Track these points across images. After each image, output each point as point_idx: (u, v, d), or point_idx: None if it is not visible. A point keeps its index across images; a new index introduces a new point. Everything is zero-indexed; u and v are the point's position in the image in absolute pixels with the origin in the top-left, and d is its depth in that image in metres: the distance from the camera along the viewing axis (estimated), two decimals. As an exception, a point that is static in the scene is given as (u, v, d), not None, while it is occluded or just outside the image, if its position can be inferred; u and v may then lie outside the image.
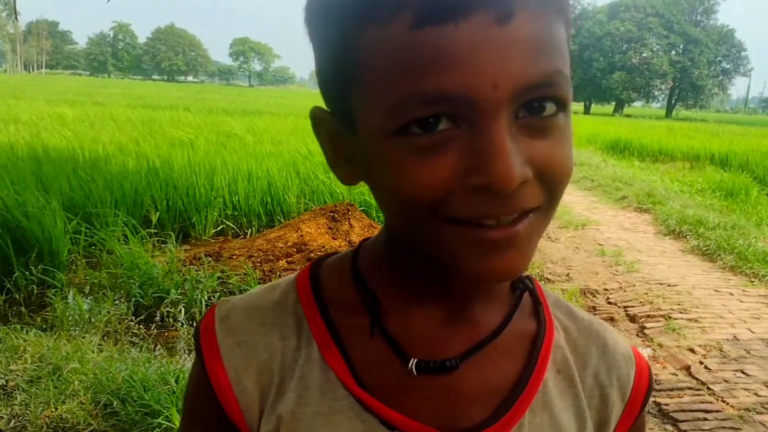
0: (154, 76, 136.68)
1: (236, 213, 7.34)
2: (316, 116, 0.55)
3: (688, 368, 3.94)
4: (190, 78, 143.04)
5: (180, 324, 4.64)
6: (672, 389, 3.65)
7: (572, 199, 10.11)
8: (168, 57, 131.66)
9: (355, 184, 0.56)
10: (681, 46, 70.51)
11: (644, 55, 70.33)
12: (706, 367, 3.95)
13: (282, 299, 0.61)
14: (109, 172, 7.18)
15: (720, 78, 74.07)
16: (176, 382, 3.29)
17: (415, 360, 0.56)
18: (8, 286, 4.87)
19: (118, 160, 8.08)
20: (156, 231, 6.25)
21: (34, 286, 4.95)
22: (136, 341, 4.27)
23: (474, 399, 0.57)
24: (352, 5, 0.46)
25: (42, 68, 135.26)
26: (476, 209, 0.46)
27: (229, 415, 0.58)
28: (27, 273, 4.96)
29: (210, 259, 5.78)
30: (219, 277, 5.13)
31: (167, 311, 4.67)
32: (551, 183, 0.47)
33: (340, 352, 0.57)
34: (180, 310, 4.72)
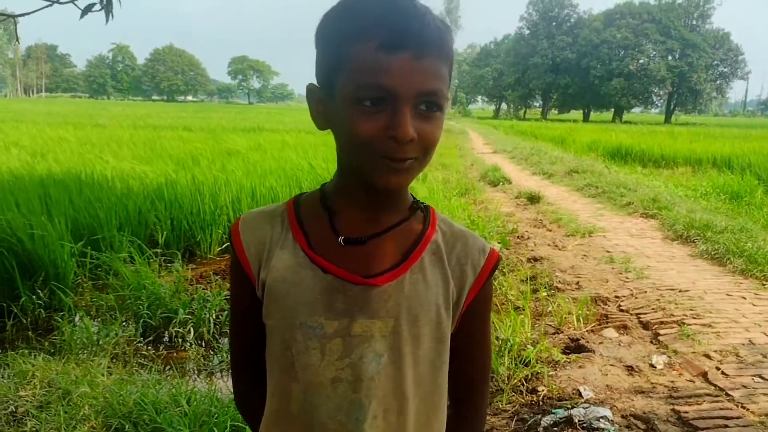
0: (153, 97, 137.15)
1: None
2: (310, 88, 0.97)
3: (705, 374, 3.88)
4: (189, 97, 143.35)
5: (189, 344, 4.60)
6: (690, 396, 3.59)
7: (578, 207, 10.07)
8: (167, 77, 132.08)
9: (325, 129, 0.96)
10: (678, 52, 70.65)
11: (641, 61, 70.56)
12: (723, 373, 3.89)
13: (275, 209, 1.05)
14: (114, 193, 7.16)
15: (718, 82, 74.13)
16: (188, 403, 3.25)
17: (343, 237, 0.98)
18: (15, 310, 4.83)
19: (121, 181, 8.06)
20: (162, 251, 6.22)
21: (41, 310, 4.92)
22: (146, 363, 4.23)
23: (378, 261, 0.98)
24: (346, 30, 0.87)
25: (42, 92, 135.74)
26: (388, 150, 0.86)
27: (244, 268, 1.01)
28: (34, 297, 4.93)
29: (217, 277, 5.74)
30: (227, 296, 5.09)
31: (176, 331, 4.64)
32: (425, 145, 0.89)
33: (303, 234, 1.00)
34: (189, 330, 4.68)
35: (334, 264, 0.97)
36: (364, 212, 0.99)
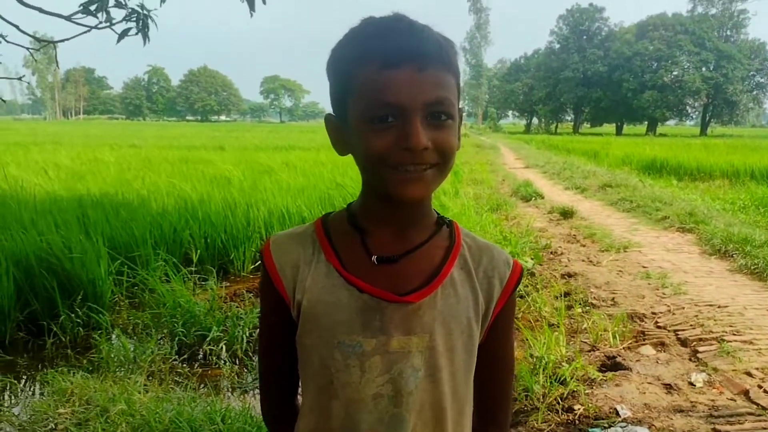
0: (188, 117, 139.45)
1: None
2: (326, 118, 1.03)
3: (746, 393, 3.78)
4: (223, 117, 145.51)
5: (223, 362, 4.63)
6: (731, 416, 3.50)
7: (611, 221, 9.94)
8: (201, 98, 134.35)
9: (345, 155, 1.01)
10: (713, 63, 69.52)
11: (675, 73, 69.58)
12: (765, 391, 3.78)
13: (305, 231, 1.07)
14: (149, 212, 7.29)
15: (755, 92, 72.75)
16: (222, 421, 3.27)
17: (376, 256, 1.00)
18: (55, 329, 4.93)
19: (157, 200, 8.20)
20: (196, 269, 6.30)
21: (80, 328, 5.01)
22: (181, 380, 4.27)
23: (409, 278, 1.01)
24: (351, 56, 0.92)
25: (80, 114, 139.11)
26: (402, 160, 0.89)
27: (278, 289, 1.03)
28: (72, 315, 5.02)
29: (250, 294, 5.79)
30: (259, 314, 5.13)
31: (210, 349, 4.68)
32: (442, 151, 0.91)
33: (336, 255, 1.02)
34: (221, 348, 4.72)
35: (368, 283, 0.99)
36: (392, 231, 1.02)
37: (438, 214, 1.08)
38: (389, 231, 1.02)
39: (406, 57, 0.88)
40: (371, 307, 0.98)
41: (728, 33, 74.18)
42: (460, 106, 0.97)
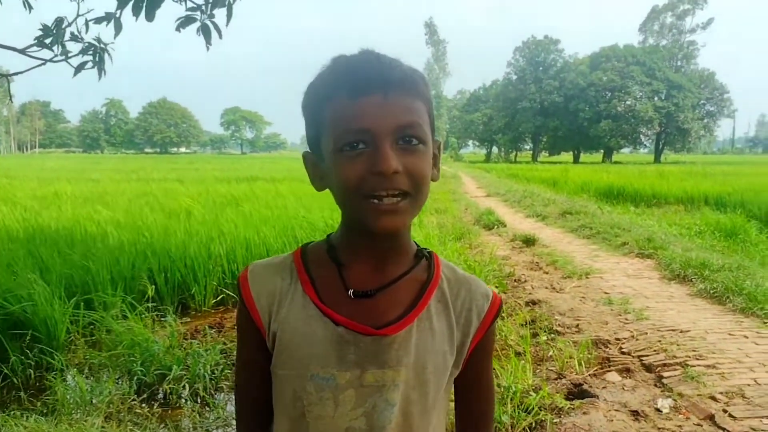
0: (146, 149, 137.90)
1: (236, 282, 7.22)
2: (305, 155, 1.04)
3: (712, 417, 3.80)
4: (182, 149, 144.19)
5: (184, 401, 4.49)
6: (698, 441, 3.51)
7: (573, 248, 10.05)
8: (160, 130, 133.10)
9: (323, 190, 1.02)
10: (664, 92, 71.73)
11: (628, 102, 71.55)
12: (731, 416, 3.81)
13: (284, 260, 1.06)
14: (106, 248, 7.10)
15: (705, 121, 75.07)
16: (183, 464, 3.15)
17: (353, 290, 1.00)
18: (5, 371, 4.73)
19: (114, 236, 8.00)
20: (155, 305, 6.14)
21: (31, 370, 4.81)
22: (140, 421, 4.11)
23: (386, 312, 1.00)
24: (322, 92, 0.94)
25: (36, 148, 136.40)
26: (375, 187, 0.89)
27: (255, 320, 1.02)
28: (22, 357, 4.83)
29: (212, 330, 5.66)
30: (222, 350, 5.01)
31: (170, 388, 4.53)
32: (413, 177, 0.91)
33: (313, 287, 1.01)
34: (183, 386, 4.58)
35: (344, 316, 0.98)
36: (370, 264, 1.02)
37: (417, 245, 1.08)
38: (367, 264, 1.02)
39: (373, 84, 0.89)
40: (347, 340, 0.98)
41: (679, 63, 76.80)
42: (437, 138, 1.01)
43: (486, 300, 1.08)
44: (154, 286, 6.42)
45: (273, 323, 1.01)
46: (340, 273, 1.02)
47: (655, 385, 4.36)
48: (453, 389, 1.13)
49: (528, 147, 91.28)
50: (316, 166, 1.01)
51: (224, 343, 5.19)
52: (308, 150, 1.03)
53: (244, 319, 1.05)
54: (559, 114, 75.64)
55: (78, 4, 4.48)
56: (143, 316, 5.62)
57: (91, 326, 5.60)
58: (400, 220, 0.92)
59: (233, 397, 1.22)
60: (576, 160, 76.00)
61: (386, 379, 0.98)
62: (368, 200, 0.90)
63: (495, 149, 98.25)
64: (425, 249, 1.08)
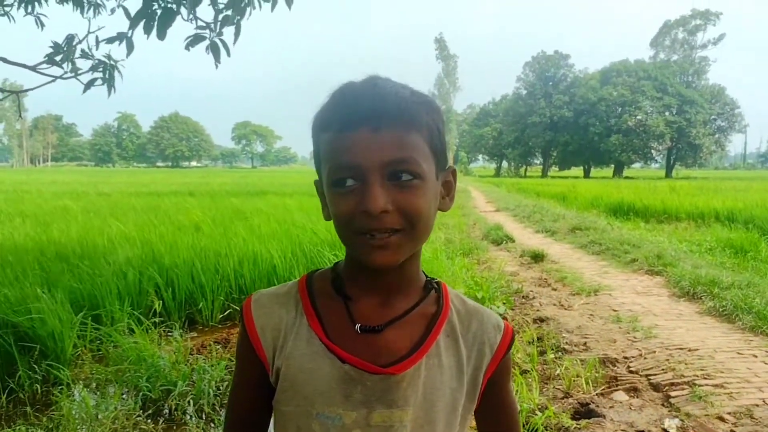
0: (158, 163, 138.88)
1: (243, 296, 7.24)
2: (315, 183, 1.01)
3: (720, 438, 3.76)
4: (194, 163, 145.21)
5: (189, 417, 4.49)
6: (706, 463, 3.47)
7: (582, 265, 10.00)
8: (172, 144, 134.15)
9: (330, 219, 0.96)
10: (675, 107, 71.64)
11: (639, 117, 71.51)
12: (738, 437, 3.77)
13: (288, 291, 1.04)
14: (115, 261, 7.13)
15: (716, 136, 74.83)
16: (186, 481, 3.14)
17: (359, 324, 0.97)
18: (12, 385, 4.75)
19: (123, 249, 8.04)
20: (162, 319, 6.15)
21: (38, 385, 4.83)
22: (144, 438, 4.11)
23: (393, 348, 0.97)
24: (317, 123, 0.93)
25: (48, 161, 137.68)
26: (364, 225, 0.87)
27: (258, 354, 1.00)
28: (30, 372, 4.84)
29: (218, 346, 5.66)
30: (227, 366, 5.01)
31: (176, 404, 4.53)
32: (407, 215, 0.88)
33: (319, 321, 0.99)
34: (188, 402, 4.58)
35: (350, 352, 0.96)
36: (377, 298, 0.99)
37: (427, 276, 1.06)
38: (374, 298, 0.99)
39: (362, 118, 0.86)
40: (353, 378, 0.95)
41: (690, 78, 76.62)
42: (449, 166, 0.99)
43: (498, 331, 1.06)
44: (161, 301, 6.44)
45: (277, 359, 0.99)
46: (347, 306, 0.99)
47: (663, 405, 4.32)
48: (475, 419, 1.10)
49: (538, 162, 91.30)
50: (322, 195, 0.98)
51: (230, 359, 5.19)
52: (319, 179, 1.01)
53: (246, 350, 1.02)
54: (569, 129, 75.65)
55: (89, 21, 4.55)
56: (150, 330, 5.64)
57: (98, 341, 5.62)
58: (394, 255, 0.90)
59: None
60: (587, 175, 75.91)
61: (394, 420, 0.96)
62: (361, 236, 0.88)
63: (505, 164, 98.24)
64: (434, 279, 1.06)
